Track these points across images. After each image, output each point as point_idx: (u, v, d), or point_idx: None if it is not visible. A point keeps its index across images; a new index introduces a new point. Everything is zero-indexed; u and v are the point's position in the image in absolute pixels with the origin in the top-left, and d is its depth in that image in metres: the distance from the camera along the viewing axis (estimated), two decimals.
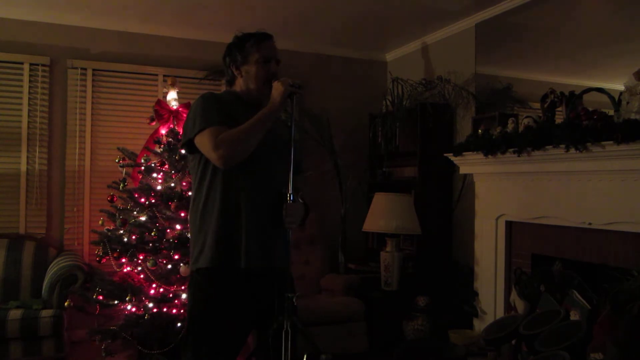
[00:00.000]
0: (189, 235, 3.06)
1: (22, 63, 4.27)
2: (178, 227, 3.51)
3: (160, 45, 4.66)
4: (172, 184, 3.59)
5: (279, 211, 1.88)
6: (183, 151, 3.27)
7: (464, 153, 3.62)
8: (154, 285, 3.45)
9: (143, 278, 3.50)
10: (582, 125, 2.72)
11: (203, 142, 1.87)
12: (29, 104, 4.29)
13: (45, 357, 3.58)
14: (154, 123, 3.95)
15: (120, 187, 3.64)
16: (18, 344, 3.52)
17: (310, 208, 2.04)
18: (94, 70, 4.46)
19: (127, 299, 3.39)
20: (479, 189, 3.73)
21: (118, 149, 3.84)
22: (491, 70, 4.08)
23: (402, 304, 4.00)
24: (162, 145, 3.70)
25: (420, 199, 4.29)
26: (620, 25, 3.15)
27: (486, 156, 3.39)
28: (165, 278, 3.46)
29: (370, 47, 5.19)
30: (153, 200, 3.56)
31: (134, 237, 3.53)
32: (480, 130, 3.56)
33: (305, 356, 1.86)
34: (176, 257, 3.45)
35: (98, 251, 3.55)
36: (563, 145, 2.82)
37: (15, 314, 3.53)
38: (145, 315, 3.37)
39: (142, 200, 3.58)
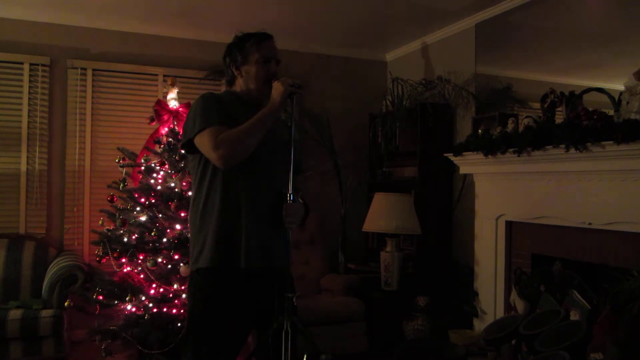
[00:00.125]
0: (189, 235, 3.06)
1: (22, 63, 4.27)
2: (178, 227, 3.51)
3: (160, 45, 4.66)
4: (172, 184, 3.59)
5: (279, 211, 1.88)
6: (183, 151, 3.27)
7: (464, 153, 3.62)
8: (154, 285, 3.45)
9: (143, 278, 3.50)
10: (582, 125, 2.72)
11: (203, 142, 1.87)
12: (29, 104, 4.29)
13: (45, 357, 3.58)
14: (154, 123, 3.95)
15: (120, 187, 3.63)
16: (18, 344, 3.52)
17: (310, 208, 2.04)
18: (94, 70, 4.46)
19: (127, 299, 3.39)
20: (479, 189, 3.73)
21: (118, 149, 3.85)
22: (491, 70, 4.08)
23: (402, 304, 4.00)
24: (162, 145, 3.70)
25: (420, 199, 4.28)
26: (620, 25, 3.15)
27: (486, 156, 3.39)
28: (165, 278, 3.46)
29: (370, 47, 5.19)
30: (153, 200, 3.56)
31: (134, 237, 3.53)
32: (480, 130, 3.56)
33: (305, 356, 1.86)
34: (176, 257, 3.45)
35: (98, 251, 3.55)
36: (563, 145, 2.82)
37: (15, 314, 3.53)
38: (145, 315, 3.37)
39: (142, 200, 3.58)
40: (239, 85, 2.07)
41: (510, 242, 3.51)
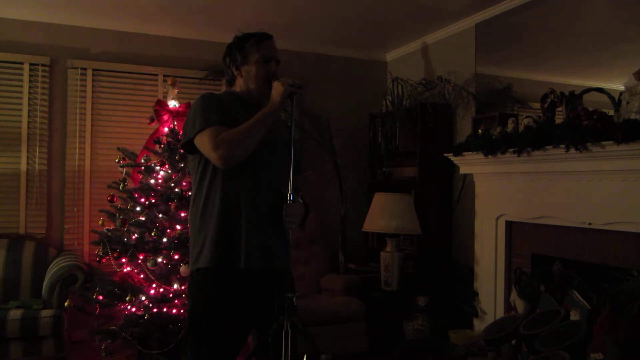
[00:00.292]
0: (189, 235, 3.06)
1: (22, 63, 4.27)
2: (178, 227, 3.51)
3: (160, 45, 4.66)
4: (172, 184, 3.59)
5: (279, 211, 1.89)
6: (183, 151, 3.27)
7: (464, 153, 3.62)
8: (154, 285, 3.45)
9: (143, 278, 3.50)
10: (582, 125, 2.72)
11: (203, 142, 1.87)
12: (29, 104, 4.29)
13: (45, 357, 3.58)
14: (154, 123, 3.95)
15: (120, 187, 3.64)
16: (18, 344, 3.52)
17: (310, 208, 2.05)
18: (94, 70, 4.46)
19: (127, 299, 3.40)
20: (479, 189, 3.73)
21: (118, 149, 3.85)
22: (491, 70, 4.08)
23: (402, 304, 4.00)
24: (162, 145, 3.70)
25: (420, 199, 4.29)
26: (620, 25, 3.15)
27: (486, 156, 3.39)
28: (165, 278, 3.46)
29: (370, 47, 5.19)
30: (153, 200, 3.56)
31: (134, 237, 3.53)
32: (480, 130, 3.56)
33: (305, 356, 1.86)
34: (176, 257, 3.45)
35: (98, 251, 3.55)
36: (563, 145, 2.82)
37: (15, 314, 3.53)
38: (145, 315, 3.37)
39: (142, 200, 3.58)
40: (239, 85, 2.07)
41: (510, 242, 3.51)
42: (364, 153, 5.12)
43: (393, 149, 4.77)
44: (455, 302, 3.82)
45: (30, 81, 4.29)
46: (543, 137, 2.96)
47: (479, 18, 4.12)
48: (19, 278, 3.92)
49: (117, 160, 3.72)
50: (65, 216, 4.38)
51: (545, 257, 3.24)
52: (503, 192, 3.49)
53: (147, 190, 3.59)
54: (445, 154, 3.85)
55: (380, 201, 4.16)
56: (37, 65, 4.31)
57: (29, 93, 4.29)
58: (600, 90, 2.84)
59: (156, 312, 3.41)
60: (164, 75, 4.57)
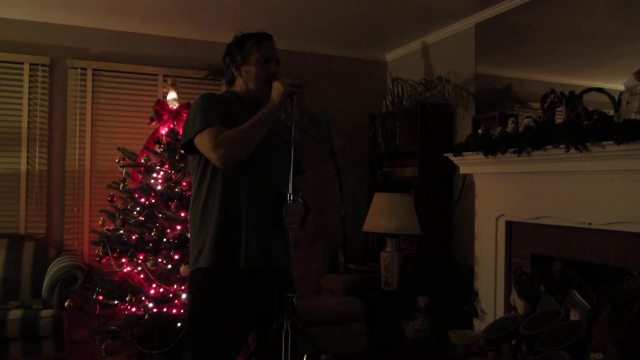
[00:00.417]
0: (189, 235, 3.06)
1: (22, 63, 4.27)
2: (178, 227, 3.51)
3: (160, 45, 4.66)
4: (172, 184, 3.59)
5: (279, 211, 1.89)
6: (183, 151, 3.27)
7: (464, 153, 3.62)
8: (154, 285, 3.45)
9: (143, 278, 3.50)
10: (582, 125, 2.72)
11: (203, 142, 1.87)
12: (29, 104, 4.29)
13: (45, 357, 3.58)
14: (154, 123, 3.95)
15: (120, 187, 3.63)
16: (18, 344, 3.52)
17: (310, 208, 2.05)
18: (94, 70, 4.46)
19: (127, 299, 3.39)
20: (479, 189, 3.73)
21: (118, 149, 3.85)
22: (491, 70, 4.08)
23: (402, 304, 4.00)
24: (162, 145, 3.70)
25: (420, 199, 4.28)
26: (620, 25, 3.15)
27: (486, 156, 3.39)
28: (165, 278, 3.46)
29: (370, 47, 5.19)
30: (153, 200, 3.56)
31: (134, 237, 3.53)
32: (480, 130, 3.56)
33: (305, 356, 1.86)
34: (176, 257, 3.45)
35: (98, 251, 3.55)
36: (563, 145, 2.82)
37: (15, 314, 3.53)
38: (145, 315, 3.37)
39: (142, 200, 3.58)
40: (239, 85, 2.07)
41: (510, 242, 3.51)
42: (364, 153, 5.12)
43: (393, 149, 4.76)
44: (455, 302, 3.82)
45: (30, 81, 4.29)
46: (543, 137, 2.96)
47: (479, 18, 4.12)
48: (19, 278, 3.92)
49: (117, 160, 3.72)
50: (65, 216, 4.38)
51: (545, 257, 3.24)
52: (503, 192, 3.49)
53: (147, 190, 3.59)
54: (445, 154, 3.85)
55: (380, 201, 4.16)
56: (37, 65, 4.31)
57: (29, 93, 4.29)
58: (600, 90, 2.84)
59: (156, 312, 3.41)
60: (164, 75, 4.57)
